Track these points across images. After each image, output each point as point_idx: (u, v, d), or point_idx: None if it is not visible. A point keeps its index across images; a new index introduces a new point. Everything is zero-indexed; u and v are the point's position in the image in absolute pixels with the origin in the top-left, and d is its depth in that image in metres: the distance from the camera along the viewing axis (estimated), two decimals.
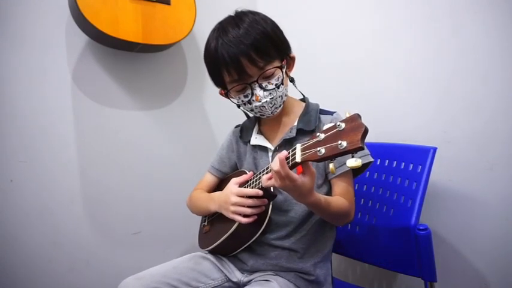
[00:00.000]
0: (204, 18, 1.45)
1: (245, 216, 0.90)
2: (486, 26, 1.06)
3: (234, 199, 0.91)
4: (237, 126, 1.16)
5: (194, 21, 1.42)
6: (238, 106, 1.01)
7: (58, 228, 1.34)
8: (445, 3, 1.13)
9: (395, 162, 1.11)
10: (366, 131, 0.63)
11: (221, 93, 1.01)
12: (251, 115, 1.11)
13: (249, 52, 0.88)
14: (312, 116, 0.98)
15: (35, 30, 1.30)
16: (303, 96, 1.07)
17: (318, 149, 0.68)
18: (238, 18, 0.93)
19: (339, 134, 0.66)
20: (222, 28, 0.92)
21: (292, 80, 1.02)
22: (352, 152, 0.63)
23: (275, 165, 0.75)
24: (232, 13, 0.96)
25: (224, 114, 1.64)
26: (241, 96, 0.94)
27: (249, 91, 0.93)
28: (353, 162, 0.63)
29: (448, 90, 1.13)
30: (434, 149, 1.02)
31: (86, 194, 1.40)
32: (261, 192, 0.88)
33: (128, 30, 1.27)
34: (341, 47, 1.44)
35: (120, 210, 1.46)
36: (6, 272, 1.25)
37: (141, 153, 1.51)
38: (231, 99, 0.99)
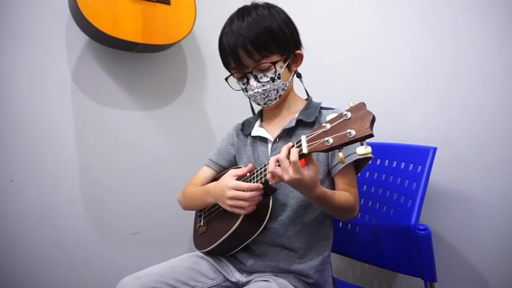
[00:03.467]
0: (204, 18, 1.45)
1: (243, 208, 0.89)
2: (486, 26, 1.06)
3: (230, 193, 0.89)
4: (238, 124, 1.16)
5: (194, 21, 1.42)
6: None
7: (58, 228, 1.34)
8: (445, 3, 1.13)
9: (395, 162, 1.11)
10: (374, 118, 0.63)
11: (226, 79, 1.05)
12: (256, 111, 1.14)
13: (246, 44, 0.92)
14: (312, 111, 1.00)
15: (35, 30, 1.30)
16: (308, 95, 1.08)
17: (326, 139, 0.68)
18: (247, 11, 0.97)
19: (347, 123, 0.66)
20: (231, 18, 0.98)
21: (299, 76, 1.05)
22: (362, 139, 0.64)
23: (282, 153, 0.76)
24: (249, 3, 1.00)
25: (224, 114, 1.65)
26: (241, 83, 1.01)
27: (246, 80, 0.98)
28: (363, 149, 0.64)
29: (448, 90, 1.13)
30: (434, 149, 1.01)
31: (86, 194, 1.40)
32: (261, 186, 0.88)
33: (128, 30, 1.27)
34: (341, 47, 1.44)
35: (120, 210, 1.46)
36: (6, 272, 1.25)
37: (141, 153, 1.51)
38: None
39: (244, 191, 0.89)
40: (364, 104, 0.66)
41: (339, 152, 0.68)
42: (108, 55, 1.43)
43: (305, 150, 0.73)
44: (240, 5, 1.00)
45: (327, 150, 0.69)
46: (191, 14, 1.42)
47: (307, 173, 0.76)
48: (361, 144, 0.64)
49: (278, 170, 0.77)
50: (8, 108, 1.26)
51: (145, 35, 1.31)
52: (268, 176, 0.80)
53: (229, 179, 0.93)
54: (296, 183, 0.77)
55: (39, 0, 1.30)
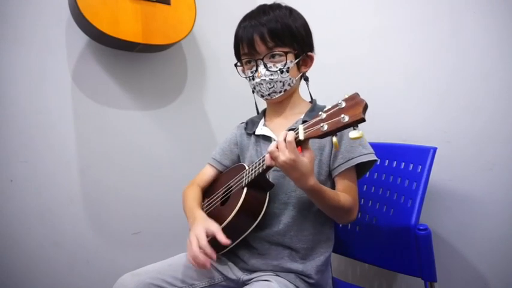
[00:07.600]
0: (204, 18, 1.45)
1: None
2: (486, 26, 1.06)
3: (191, 236, 0.89)
4: (242, 123, 1.17)
5: (194, 21, 1.42)
6: (253, 91, 1.06)
7: (58, 228, 1.34)
8: (445, 3, 1.14)
9: (395, 162, 1.11)
10: (366, 105, 0.66)
11: (236, 65, 1.08)
12: (259, 109, 1.15)
13: (263, 32, 0.96)
14: (317, 113, 1.01)
15: (35, 30, 1.30)
16: (311, 98, 1.09)
17: (321, 125, 0.71)
18: (269, 7, 1.01)
19: (341, 111, 0.69)
20: (251, 14, 1.02)
21: (306, 79, 1.07)
22: (354, 124, 0.66)
23: (280, 136, 0.79)
24: (253, 3, 1.04)
25: (224, 114, 1.65)
26: (249, 71, 1.02)
27: (255, 67, 0.99)
28: (356, 133, 0.66)
29: (448, 90, 1.13)
30: (434, 149, 1.02)
31: (86, 194, 1.40)
32: (211, 255, 0.86)
33: (128, 30, 1.27)
34: (341, 46, 1.44)
35: (120, 210, 1.46)
36: (6, 272, 1.25)
37: (141, 153, 1.51)
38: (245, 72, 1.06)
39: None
40: (357, 93, 0.69)
41: (334, 137, 0.71)
42: (108, 55, 1.42)
43: (301, 137, 0.76)
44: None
45: (322, 136, 0.72)
46: (191, 14, 1.42)
47: (303, 158, 0.78)
48: (354, 129, 0.67)
49: (275, 150, 0.80)
50: (8, 108, 1.26)
51: (145, 35, 1.31)
52: (267, 157, 0.83)
53: (202, 230, 0.89)
54: (291, 165, 0.78)
55: (39, 0, 1.30)
